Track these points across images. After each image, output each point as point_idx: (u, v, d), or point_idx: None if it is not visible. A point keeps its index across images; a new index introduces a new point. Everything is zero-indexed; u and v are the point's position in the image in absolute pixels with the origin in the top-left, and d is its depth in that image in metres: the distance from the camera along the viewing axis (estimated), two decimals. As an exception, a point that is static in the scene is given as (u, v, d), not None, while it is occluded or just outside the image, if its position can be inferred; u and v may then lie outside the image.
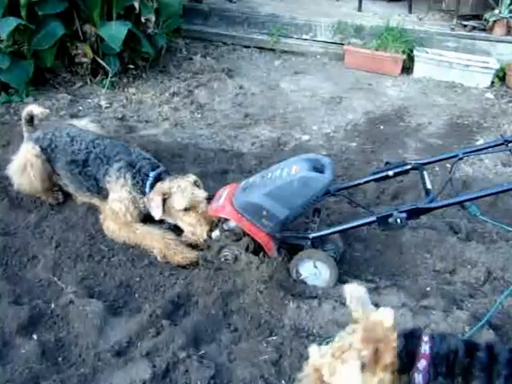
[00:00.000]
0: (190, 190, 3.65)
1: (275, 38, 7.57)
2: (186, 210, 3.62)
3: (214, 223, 3.62)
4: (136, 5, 5.99)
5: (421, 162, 3.46)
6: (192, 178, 3.74)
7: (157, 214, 3.64)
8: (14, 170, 4.01)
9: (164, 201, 3.63)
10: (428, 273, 3.60)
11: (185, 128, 5.51)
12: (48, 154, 3.97)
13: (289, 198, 3.13)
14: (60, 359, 2.88)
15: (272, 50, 7.63)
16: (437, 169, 4.80)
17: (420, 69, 6.97)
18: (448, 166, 4.70)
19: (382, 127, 5.71)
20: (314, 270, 3.30)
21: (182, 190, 3.62)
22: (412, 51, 6.99)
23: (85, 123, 4.42)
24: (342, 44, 7.36)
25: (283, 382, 2.75)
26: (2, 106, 5.62)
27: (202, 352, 2.89)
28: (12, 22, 5.18)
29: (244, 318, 3.13)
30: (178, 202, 3.60)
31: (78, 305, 3.13)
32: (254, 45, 7.72)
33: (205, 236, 3.62)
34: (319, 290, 3.26)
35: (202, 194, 3.68)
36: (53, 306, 3.18)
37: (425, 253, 3.75)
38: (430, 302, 3.22)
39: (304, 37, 7.65)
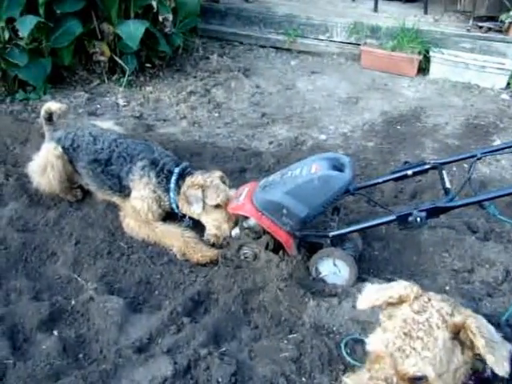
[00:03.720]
0: (223, 187, 3.66)
1: (291, 38, 7.56)
2: (217, 206, 3.63)
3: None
4: (154, 4, 6.01)
5: (440, 161, 3.44)
6: (218, 173, 3.75)
7: (198, 208, 3.64)
8: (34, 169, 4.03)
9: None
10: (446, 272, 3.59)
11: (202, 127, 5.52)
12: (70, 153, 3.99)
13: (309, 196, 3.13)
14: (81, 355, 2.91)
15: (288, 50, 7.62)
16: (454, 169, 4.78)
17: (436, 70, 6.94)
18: (465, 165, 4.71)
19: (398, 127, 5.69)
20: (334, 269, 3.30)
21: (216, 185, 3.62)
22: (428, 52, 6.95)
23: (110, 125, 4.44)
24: (358, 44, 7.33)
25: (304, 379, 2.76)
26: (20, 104, 5.67)
27: (223, 349, 2.90)
28: (32, 20, 5.19)
29: (264, 315, 3.14)
30: (212, 197, 3.60)
31: (98, 301, 3.16)
32: (270, 45, 7.71)
33: (228, 233, 3.62)
34: (339, 288, 3.26)
35: (231, 191, 3.68)
36: (73, 302, 3.20)
37: (443, 252, 3.75)
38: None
39: (320, 37, 7.62)
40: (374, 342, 1.89)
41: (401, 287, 2.01)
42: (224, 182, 3.73)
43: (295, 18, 7.73)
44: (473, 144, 5.37)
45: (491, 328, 1.86)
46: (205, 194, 3.60)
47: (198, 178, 3.67)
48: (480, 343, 1.75)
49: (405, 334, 1.81)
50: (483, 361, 1.83)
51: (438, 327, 1.80)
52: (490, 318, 1.91)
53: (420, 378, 1.79)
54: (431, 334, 1.79)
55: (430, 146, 5.32)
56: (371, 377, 1.88)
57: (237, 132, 5.46)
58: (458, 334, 1.82)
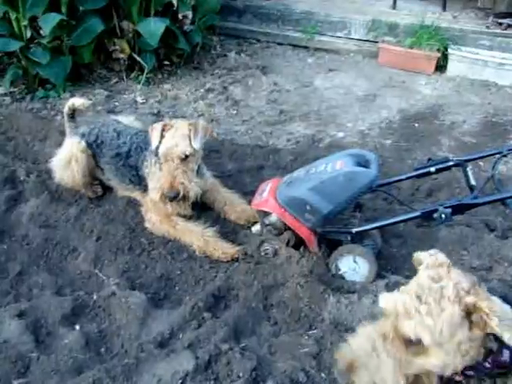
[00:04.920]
0: (178, 141, 3.56)
1: (309, 35, 7.55)
2: (165, 158, 3.58)
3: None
4: (174, 1, 6.04)
5: (463, 158, 3.43)
6: (200, 124, 3.67)
7: (153, 144, 3.60)
8: (58, 163, 4.08)
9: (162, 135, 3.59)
10: (464, 270, 3.53)
11: (220, 124, 5.55)
12: (93, 149, 4.05)
13: (333, 192, 3.14)
14: (103, 350, 2.94)
15: (306, 47, 7.61)
16: (470, 166, 4.75)
17: (454, 67, 6.90)
18: (481, 164, 4.71)
19: (416, 125, 5.68)
20: (354, 265, 3.31)
21: (173, 134, 3.58)
22: (446, 49, 6.90)
23: (131, 120, 4.49)
24: (376, 42, 7.32)
25: (323, 374, 2.77)
26: (40, 101, 5.74)
27: (244, 344, 2.92)
28: (54, 18, 5.25)
29: (284, 311, 3.16)
30: (162, 146, 3.59)
31: (119, 296, 3.19)
32: (287, 42, 7.70)
33: (157, 196, 3.60)
34: (358, 285, 3.28)
35: (184, 148, 3.56)
36: (95, 297, 3.24)
37: (461, 250, 3.73)
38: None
39: (338, 34, 7.60)
40: (386, 300, 1.93)
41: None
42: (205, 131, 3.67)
43: (313, 15, 7.72)
44: (490, 142, 5.34)
45: (507, 307, 1.88)
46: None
47: (172, 120, 3.74)
48: (493, 322, 1.76)
49: (417, 296, 1.83)
50: (498, 341, 1.86)
51: (450, 300, 1.80)
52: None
53: (415, 342, 1.82)
54: (440, 304, 1.79)
55: (447, 144, 5.30)
56: (372, 329, 1.94)
57: (255, 129, 5.47)
58: (470, 314, 1.81)
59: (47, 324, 3.05)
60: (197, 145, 3.57)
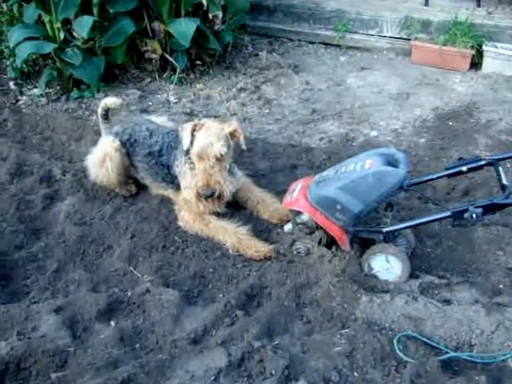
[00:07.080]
0: (213, 140, 3.58)
1: (341, 33, 7.50)
2: (200, 157, 3.60)
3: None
4: (204, 1, 6.08)
5: (496, 157, 3.38)
6: (233, 125, 3.73)
7: (185, 144, 3.64)
8: (93, 161, 4.15)
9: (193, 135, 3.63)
10: (501, 270, 3.53)
11: (253, 123, 5.56)
12: (127, 148, 4.11)
13: (363, 192, 3.14)
14: (138, 345, 2.98)
15: (337, 45, 7.56)
16: (508, 165, 4.69)
17: (489, 64, 6.79)
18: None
19: (450, 123, 5.60)
20: (387, 265, 3.30)
21: (207, 134, 3.60)
22: (481, 46, 6.79)
23: (164, 120, 4.55)
24: (409, 39, 7.23)
25: (356, 374, 2.77)
26: (75, 102, 5.84)
27: (276, 342, 2.93)
28: (88, 20, 5.34)
29: (317, 310, 3.17)
30: (195, 146, 3.62)
31: (154, 293, 3.24)
32: (319, 41, 7.66)
33: (189, 195, 3.70)
34: (391, 285, 3.26)
35: (220, 147, 3.57)
36: (129, 294, 3.29)
37: (497, 250, 3.69)
38: (504, 299, 3.18)
39: (370, 32, 7.54)
40: None
41: None
42: (235, 137, 3.72)
43: (344, 13, 7.66)
44: (529, 140, 5.27)
45: None
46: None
47: (201, 119, 3.77)
48: None
49: None
50: None
51: None
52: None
53: None
54: None
55: (483, 143, 5.22)
56: None
57: (287, 128, 5.47)
58: None
59: (83, 319, 3.10)
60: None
